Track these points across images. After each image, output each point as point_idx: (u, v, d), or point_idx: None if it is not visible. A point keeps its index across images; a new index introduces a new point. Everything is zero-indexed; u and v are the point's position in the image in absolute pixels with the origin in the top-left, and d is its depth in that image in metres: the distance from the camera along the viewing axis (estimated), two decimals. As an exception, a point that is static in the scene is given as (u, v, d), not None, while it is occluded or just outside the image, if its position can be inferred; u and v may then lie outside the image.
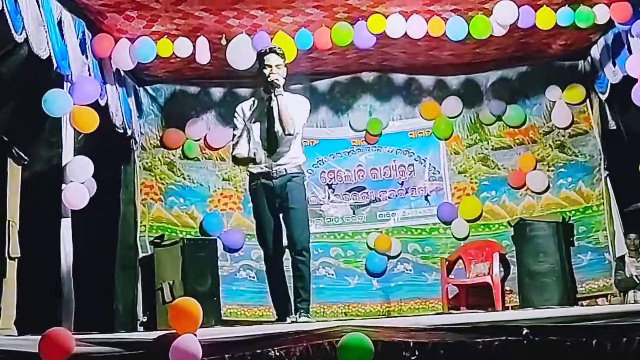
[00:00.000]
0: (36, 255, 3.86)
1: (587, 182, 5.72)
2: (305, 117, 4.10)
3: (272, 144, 3.94)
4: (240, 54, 4.95)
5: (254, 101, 4.10)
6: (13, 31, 3.58)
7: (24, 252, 3.67)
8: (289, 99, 3.99)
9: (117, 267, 5.28)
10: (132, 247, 5.47)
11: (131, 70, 5.28)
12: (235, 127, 4.09)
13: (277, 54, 4.00)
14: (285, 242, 4.00)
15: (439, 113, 6.00)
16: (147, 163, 5.80)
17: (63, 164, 4.19)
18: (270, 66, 3.95)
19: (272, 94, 3.93)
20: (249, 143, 3.99)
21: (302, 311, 3.89)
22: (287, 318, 3.91)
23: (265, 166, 3.96)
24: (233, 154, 4.08)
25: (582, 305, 5.26)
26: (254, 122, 4.01)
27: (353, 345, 2.94)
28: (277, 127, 3.94)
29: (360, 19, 4.93)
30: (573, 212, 5.70)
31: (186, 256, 5.15)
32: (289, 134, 3.91)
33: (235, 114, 4.11)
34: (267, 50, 4.02)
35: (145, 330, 4.91)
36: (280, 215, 3.99)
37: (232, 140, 4.12)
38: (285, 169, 3.96)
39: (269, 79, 3.92)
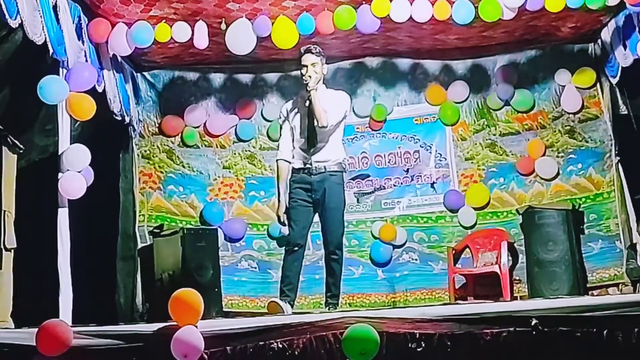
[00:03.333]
0: (33, 246, 3.84)
1: (597, 169, 5.64)
2: (342, 111, 4.27)
3: (311, 139, 4.18)
4: (240, 39, 4.89)
5: (295, 100, 4.38)
6: (7, 16, 3.52)
7: (20, 243, 3.63)
8: (326, 94, 4.23)
9: (118, 257, 5.24)
10: (131, 237, 5.43)
11: (128, 56, 5.21)
12: (280, 128, 4.44)
13: (312, 52, 4.22)
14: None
15: (445, 98, 5.93)
16: (145, 151, 5.76)
17: (59, 153, 4.12)
18: (306, 66, 4.19)
19: (306, 90, 4.15)
20: (292, 143, 4.27)
21: (331, 306, 4.16)
22: (283, 304, 4.03)
23: (305, 162, 4.18)
24: (277, 158, 4.36)
25: (592, 295, 5.20)
26: (294, 121, 4.27)
27: (359, 337, 2.91)
28: (314, 124, 4.16)
29: (363, 2, 4.85)
30: (583, 200, 5.62)
31: (186, 246, 5.10)
32: (323, 127, 4.12)
33: (280, 115, 4.46)
34: (303, 51, 4.25)
35: (145, 321, 4.87)
36: (317, 211, 4.20)
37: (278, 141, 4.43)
38: (324, 167, 4.18)
39: (304, 80, 4.17)
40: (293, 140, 4.28)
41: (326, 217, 4.18)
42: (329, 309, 4.09)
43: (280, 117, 4.45)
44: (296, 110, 4.31)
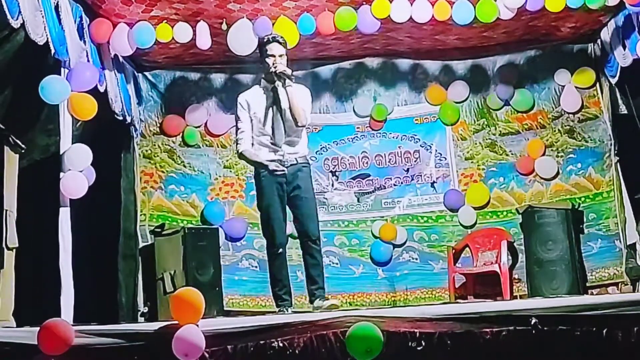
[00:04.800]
0: (34, 245, 3.82)
1: (597, 168, 5.64)
2: (310, 107, 4.16)
3: (280, 135, 3.98)
4: (242, 39, 4.88)
5: (257, 91, 4.11)
6: (9, 16, 3.51)
7: (22, 242, 3.61)
8: (295, 90, 4.03)
9: (119, 257, 5.24)
10: (132, 237, 5.42)
11: (130, 56, 5.22)
12: (238, 119, 4.13)
13: (280, 42, 4.04)
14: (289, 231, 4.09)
15: (445, 98, 5.93)
16: (146, 150, 5.75)
17: (61, 152, 4.12)
18: (273, 56, 3.99)
19: (282, 85, 3.97)
20: (252, 133, 4.06)
21: (321, 297, 3.99)
22: (287, 309, 3.94)
23: (275, 154, 4.00)
24: (240, 150, 4.11)
25: (592, 294, 5.22)
26: (257, 112, 4.05)
27: (363, 335, 2.90)
28: (287, 117, 3.98)
29: (364, 3, 4.85)
30: (583, 199, 5.63)
31: (187, 246, 5.10)
32: (302, 126, 4.01)
33: (239, 105, 4.13)
34: (270, 39, 4.03)
35: (146, 321, 4.88)
36: (288, 205, 4.05)
37: (237, 134, 4.14)
38: (295, 159, 4.02)
39: (275, 70, 3.95)
40: (252, 130, 4.06)
41: (302, 209, 4.02)
42: (320, 301, 3.94)
43: (238, 107, 4.13)
44: (259, 101, 4.08)
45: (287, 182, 4.01)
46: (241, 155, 4.14)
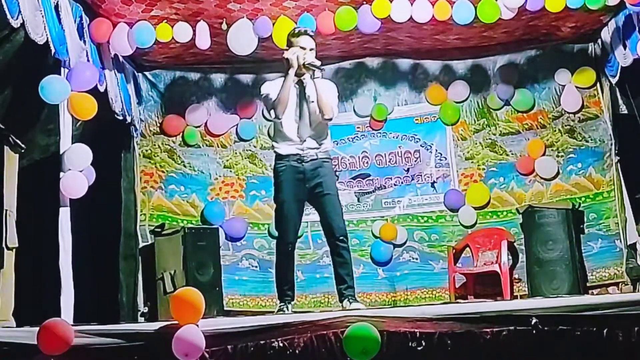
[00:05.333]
0: (34, 245, 3.82)
1: (597, 168, 5.63)
2: (336, 101, 4.08)
3: (305, 128, 3.90)
4: (242, 39, 4.90)
5: (278, 82, 3.97)
6: (9, 16, 3.51)
7: (21, 242, 3.61)
8: (322, 83, 3.95)
9: (120, 257, 5.23)
10: (132, 237, 5.42)
11: (130, 56, 5.22)
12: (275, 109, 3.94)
13: (310, 35, 3.97)
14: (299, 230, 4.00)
15: (446, 98, 5.93)
16: (146, 150, 5.75)
17: (61, 152, 4.12)
18: (303, 48, 3.90)
19: (310, 76, 3.89)
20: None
21: (350, 298, 3.86)
22: (287, 309, 3.89)
23: (297, 147, 3.91)
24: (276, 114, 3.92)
25: (592, 294, 5.21)
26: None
27: (360, 336, 2.90)
28: (313, 110, 3.90)
29: (364, 2, 4.85)
30: (583, 199, 5.62)
31: (187, 245, 5.10)
32: (328, 119, 3.90)
33: (267, 96, 3.98)
34: (301, 32, 3.97)
35: (147, 321, 4.88)
36: (311, 203, 3.96)
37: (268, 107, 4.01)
38: (316, 154, 3.92)
39: (305, 62, 3.86)
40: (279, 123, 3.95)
41: (326, 205, 3.90)
42: (349, 303, 3.80)
43: (267, 97, 3.98)
44: (267, 91, 3.98)
45: (306, 178, 3.90)
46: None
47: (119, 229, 5.24)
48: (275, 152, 4.06)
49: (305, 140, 3.93)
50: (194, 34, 4.91)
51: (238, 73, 5.86)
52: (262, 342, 2.96)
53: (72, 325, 3.03)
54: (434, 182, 5.88)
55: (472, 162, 5.87)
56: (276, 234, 5.62)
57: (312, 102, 3.92)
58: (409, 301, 5.60)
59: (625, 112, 5.48)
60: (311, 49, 3.93)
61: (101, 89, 4.67)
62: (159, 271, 5.11)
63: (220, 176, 5.83)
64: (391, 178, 5.90)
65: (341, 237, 3.92)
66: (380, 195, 5.88)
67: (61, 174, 4.06)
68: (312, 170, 3.91)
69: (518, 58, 5.85)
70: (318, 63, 3.91)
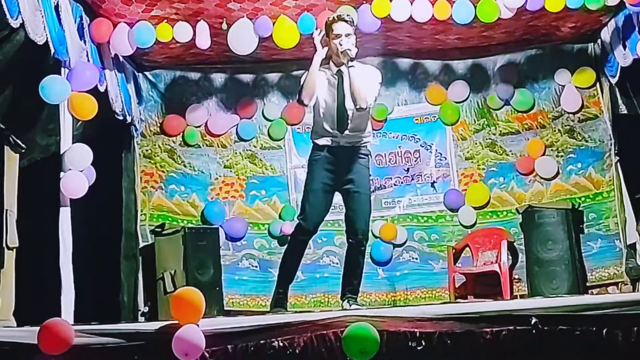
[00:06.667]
0: (35, 245, 3.81)
1: (597, 168, 5.64)
2: (377, 89, 3.89)
3: (342, 121, 3.78)
4: (242, 39, 4.89)
5: (321, 75, 3.87)
6: (8, 16, 3.50)
7: (22, 242, 3.61)
8: (360, 70, 3.81)
9: (120, 257, 5.24)
10: (132, 236, 5.42)
11: (130, 56, 5.21)
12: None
13: (346, 21, 3.82)
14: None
15: (446, 98, 5.93)
16: (147, 150, 5.75)
17: (61, 152, 4.12)
18: (339, 35, 3.77)
19: (345, 64, 3.75)
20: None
21: (350, 300, 3.87)
22: (282, 308, 3.90)
23: (333, 140, 3.81)
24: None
25: (592, 293, 5.21)
26: (322, 94, 3.83)
27: (358, 335, 2.90)
28: (348, 102, 3.77)
29: (364, 2, 4.84)
30: (583, 199, 5.62)
31: (188, 245, 5.11)
32: (361, 109, 3.73)
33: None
34: (336, 18, 3.83)
35: (147, 320, 4.88)
36: (342, 195, 3.87)
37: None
38: (352, 148, 3.81)
39: (340, 49, 3.73)
40: (318, 115, 3.84)
41: (353, 203, 3.80)
42: (349, 304, 3.79)
43: (299, 83, 3.94)
44: (322, 85, 3.84)
45: (338, 171, 3.80)
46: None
47: (120, 228, 5.23)
48: (312, 142, 3.97)
49: (342, 133, 3.81)
50: (194, 34, 4.91)
51: (238, 73, 5.86)
52: (262, 342, 2.95)
53: (73, 325, 3.03)
54: (434, 182, 5.88)
55: (472, 162, 5.87)
56: (276, 234, 5.70)
57: (347, 93, 3.80)
58: (409, 301, 5.60)
59: (625, 112, 5.47)
60: (347, 35, 3.77)
61: (101, 89, 4.66)
62: (159, 271, 5.11)
63: (220, 176, 5.83)
64: (391, 178, 5.90)
65: (362, 240, 3.85)
66: (380, 195, 5.87)
67: (61, 174, 4.06)
68: (345, 164, 3.81)
69: (518, 58, 5.85)
70: (353, 51, 3.75)
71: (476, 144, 5.88)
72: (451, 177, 5.88)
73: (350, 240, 3.90)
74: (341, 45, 3.75)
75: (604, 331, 2.97)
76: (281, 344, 2.95)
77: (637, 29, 4.85)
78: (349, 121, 3.81)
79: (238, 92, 5.94)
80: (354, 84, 3.74)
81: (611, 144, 5.60)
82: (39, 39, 3.79)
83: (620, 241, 5.44)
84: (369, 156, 3.97)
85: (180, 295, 3.04)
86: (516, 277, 5.54)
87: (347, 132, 3.82)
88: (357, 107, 3.76)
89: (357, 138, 3.86)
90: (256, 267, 5.67)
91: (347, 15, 3.94)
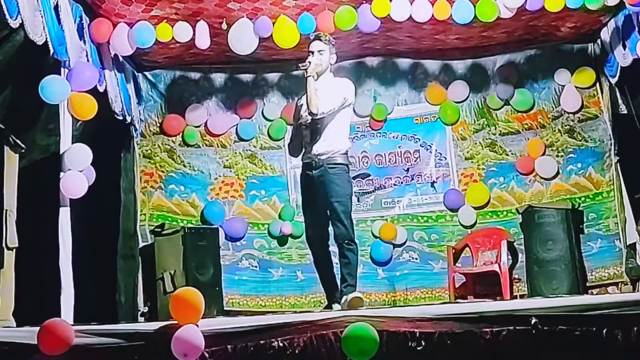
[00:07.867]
0: (34, 245, 3.81)
1: (597, 168, 5.64)
2: (339, 97, 4.07)
3: (313, 132, 4.04)
4: (242, 39, 4.90)
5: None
6: (8, 16, 3.51)
7: (21, 242, 3.61)
8: (329, 82, 4.09)
9: (119, 257, 5.24)
10: (132, 236, 5.42)
11: (130, 56, 5.21)
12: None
13: (321, 40, 4.13)
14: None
15: (445, 98, 5.93)
16: (146, 150, 5.76)
17: (61, 152, 4.12)
18: (312, 52, 4.09)
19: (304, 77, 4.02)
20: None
21: (350, 288, 4.01)
22: (335, 304, 3.99)
23: (308, 156, 4.05)
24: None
25: (592, 293, 5.22)
26: (303, 113, 4.14)
27: (357, 336, 2.90)
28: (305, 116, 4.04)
29: (364, 2, 4.85)
30: (583, 199, 5.62)
31: (187, 245, 5.11)
32: (312, 114, 3.96)
33: (296, 109, 4.28)
34: (312, 38, 4.17)
35: (146, 320, 4.88)
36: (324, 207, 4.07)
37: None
38: (323, 161, 4.02)
39: (302, 65, 4.03)
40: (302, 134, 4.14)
41: (332, 212, 4.02)
42: (345, 297, 3.98)
43: (296, 110, 4.28)
44: (302, 102, 4.17)
45: (314, 184, 4.05)
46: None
47: (119, 228, 5.24)
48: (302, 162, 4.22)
49: (312, 148, 4.06)
50: (194, 34, 4.91)
51: (238, 73, 5.86)
52: (262, 342, 2.96)
53: (72, 325, 3.03)
54: (434, 182, 5.88)
55: (472, 162, 5.87)
56: (276, 234, 5.73)
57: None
58: (409, 301, 5.60)
59: (625, 112, 5.47)
60: (320, 51, 4.09)
61: (101, 89, 4.67)
62: (159, 271, 5.11)
63: (220, 176, 5.83)
64: (391, 178, 5.90)
65: (346, 242, 4.05)
66: (380, 195, 5.88)
67: (61, 174, 4.06)
68: (317, 177, 4.04)
69: (518, 58, 5.86)
70: (307, 63, 4.03)
71: (476, 144, 5.88)
72: (451, 177, 5.88)
73: (338, 243, 4.12)
74: (309, 62, 4.04)
75: (604, 331, 2.98)
76: (281, 344, 2.95)
77: (636, 29, 4.85)
78: (315, 133, 4.01)
79: (238, 92, 5.94)
80: (309, 90, 3.98)
81: (611, 144, 5.60)
82: (39, 39, 3.80)
83: (620, 241, 5.45)
84: (345, 165, 4.11)
85: (180, 295, 3.04)
86: (516, 277, 5.54)
87: (315, 145, 4.04)
88: (308, 112, 4.00)
89: (327, 149, 4.05)
90: (256, 267, 5.67)
91: (324, 34, 4.23)
